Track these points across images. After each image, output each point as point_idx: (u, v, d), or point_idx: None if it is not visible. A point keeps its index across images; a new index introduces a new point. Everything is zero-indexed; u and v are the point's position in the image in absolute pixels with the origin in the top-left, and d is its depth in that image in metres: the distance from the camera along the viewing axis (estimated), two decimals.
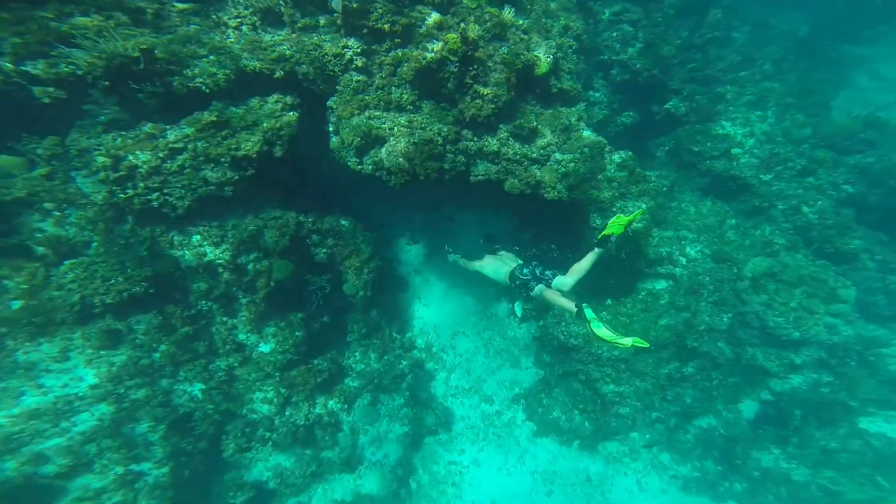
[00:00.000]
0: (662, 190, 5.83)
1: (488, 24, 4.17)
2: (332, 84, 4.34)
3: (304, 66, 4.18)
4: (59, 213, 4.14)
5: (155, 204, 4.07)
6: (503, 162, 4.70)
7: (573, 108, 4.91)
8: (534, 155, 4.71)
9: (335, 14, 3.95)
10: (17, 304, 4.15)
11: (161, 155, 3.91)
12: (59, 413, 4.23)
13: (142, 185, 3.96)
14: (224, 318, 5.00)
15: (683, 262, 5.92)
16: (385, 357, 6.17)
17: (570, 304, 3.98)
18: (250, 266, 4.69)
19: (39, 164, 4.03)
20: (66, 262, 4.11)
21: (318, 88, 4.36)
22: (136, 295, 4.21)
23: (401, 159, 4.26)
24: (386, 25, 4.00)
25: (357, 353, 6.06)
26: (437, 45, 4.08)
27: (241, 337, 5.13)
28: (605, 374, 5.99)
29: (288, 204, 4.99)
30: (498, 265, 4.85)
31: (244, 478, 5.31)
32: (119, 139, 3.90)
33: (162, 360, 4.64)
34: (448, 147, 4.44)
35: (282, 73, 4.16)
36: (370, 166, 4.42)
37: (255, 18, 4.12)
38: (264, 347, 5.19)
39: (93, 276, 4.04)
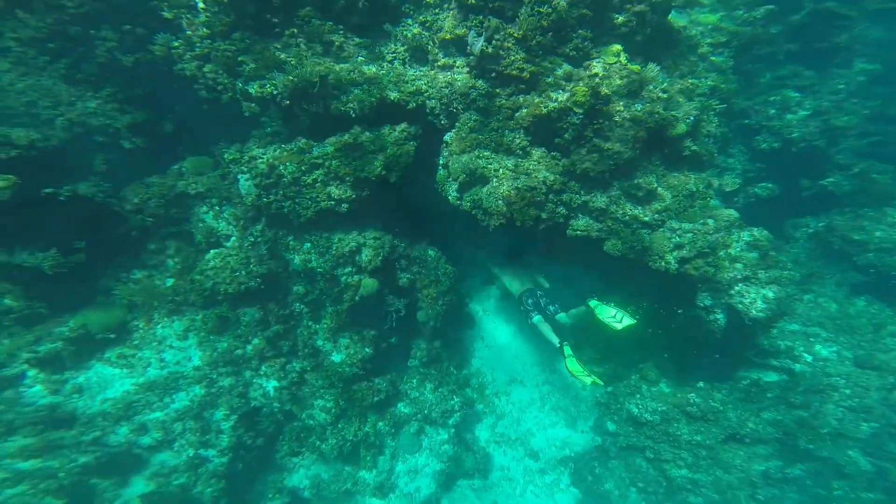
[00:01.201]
0: (795, 279, 5.28)
1: (625, 80, 4.33)
2: (453, 120, 4.86)
3: (433, 100, 4.77)
4: (218, 208, 5.23)
5: (285, 210, 4.90)
6: (608, 220, 4.71)
7: (703, 175, 4.75)
8: (646, 218, 4.64)
9: (471, 56, 4.45)
10: (169, 282, 5.24)
11: (303, 168, 4.75)
12: (167, 388, 5.10)
13: (282, 192, 4.83)
14: (309, 322, 5.66)
15: (808, 360, 5.40)
16: (439, 390, 6.39)
17: (554, 338, 5.11)
18: (343, 279, 5.31)
19: (221, 165, 5.16)
20: (211, 252, 5.13)
21: (440, 122, 4.91)
22: (250, 289, 5.01)
23: (500, 202, 4.55)
24: (515, 71, 4.40)
25: (414, 381, 6.39)
26: (563, 96, 4.35)
27: (319, 343, 5.74)
28: (678, 457, 5.65)
29: (387, 226, 5.60)
30: (515, 278, 5.74)
31: (285, 482, 5.78)
32: (278, 150, 4.84)
33: (252, 352, 5.35)
34: (550, 196, 4.62)
35: (414, 105, 4.81)
36: (468, 203, 4.79)
37: (406, 55, 4.89)
38: (336, 357, 5.75)
39: (224, 268, 4.95)
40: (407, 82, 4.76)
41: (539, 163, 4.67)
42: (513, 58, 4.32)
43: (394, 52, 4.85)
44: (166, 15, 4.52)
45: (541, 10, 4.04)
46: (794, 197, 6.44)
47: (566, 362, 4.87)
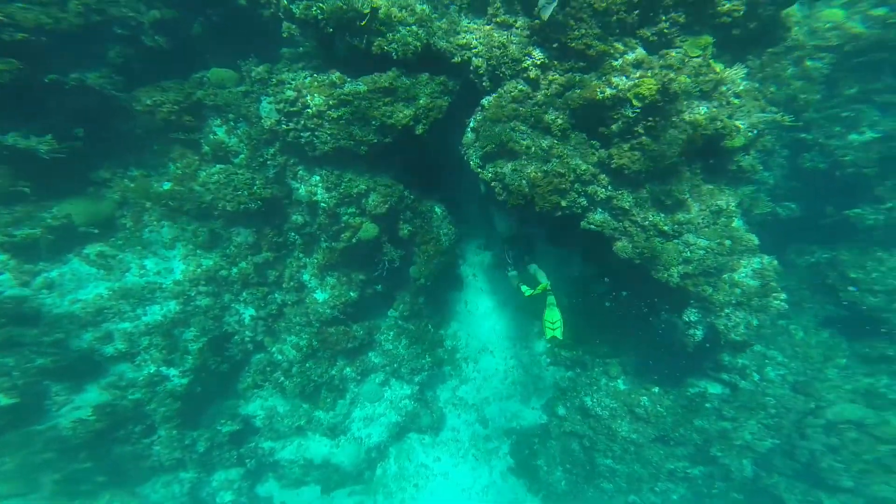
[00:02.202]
0: (784, 310, 5.56)
1: (701, 79, 4.06)
2: (496, 85, 4.57)
3: (480, 58, 4.43)
4: (233, 124, 4.92)
5: (303, 141, 4.66)
6: (626, 221, 4.70)
7: (737, 191, 4.72)
8: (665, 227, 4.65)
9: (536, 21, 4.07)
10: (166, 186, 4.97)
11: (331, 102, 4.45)
12: (141, 299, 4.96)
13: (303, 122, 4.56)
14: (300, 255, 5.58)
15: (755, 379, 5.95)
16: (413, 346, 6.60)
17: (524, 289, 5.23)
18: (345, 218, 5.22)
19: (246, 81, 4.86)
20: (216, 166, 4.86)
21: (482, 83, 4.62)
22: (250, 210, 4.86)
23: (524, 182, 4.43)
24: (581, 46, 4.07)
25: (391, 334, 6.54)
26: (624, 83, 4.10)
27: (306, 277, 5.70)
28: (609, 448, 6.28)
29: (401, 174, 5.44)
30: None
31: (239, 409, 5.98)
32: (309, 79, 4.51)
33: (237, 275, 5.28)
34: (576, 185, 4.50)
35: (460, 59, 4.49)
36: (490, 174, 4.65)
37: (465, 2, 4.45)
38: (319, 295, 5.75)
39: (228, 184, 4.77)
40: (458, 33, 4.38)
41: (575, 149, 4.51)
42: (584, 31, 3.98)
43: None
44: None
45: None
46: (810, 222, 6.44)
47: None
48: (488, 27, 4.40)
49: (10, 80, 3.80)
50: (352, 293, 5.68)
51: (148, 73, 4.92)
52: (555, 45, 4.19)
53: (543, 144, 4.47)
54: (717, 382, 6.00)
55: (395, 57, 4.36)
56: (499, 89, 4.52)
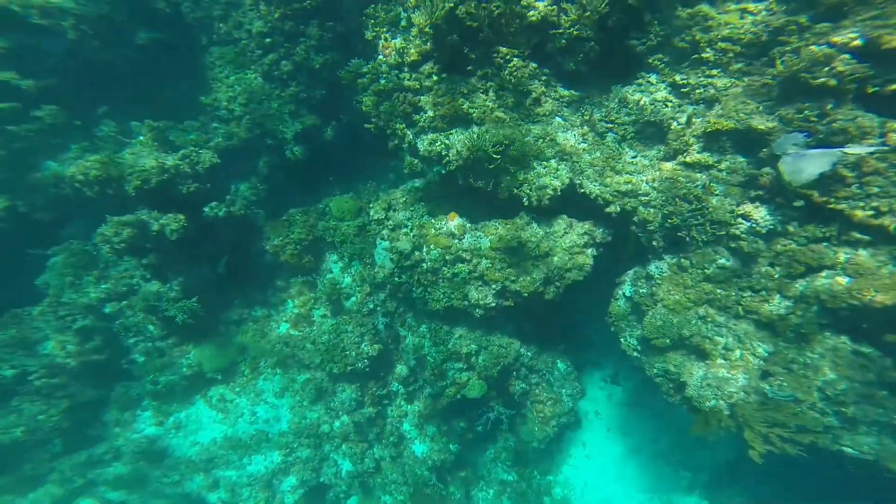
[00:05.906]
0: None
1: None
2: (678, 250, 2.93)
3: (652, 209, 2.89)
4: (347, 261, 4.57)
5: (414, 294, 3.90)
6: None
7: None
8: None
9: (764, 170, 2.40)
10: (283, 328, 4.86)
11: (448, 257, 3.56)
12: (248, 448, 4.74)
13: (417, 277, 3.79)
14: (402, 403, 4.83)
15: None
16: None
17: None
18: (450, 374, 4.32)
19: (363, 214, 4.60)
20: (328, 322, 4.54)
21: (651, 241, 3.01)
22: (356, 369, 4.29)
23: (723, 403, 2.70)
24: (863, 213, 2.22)
25: (491, 492, 5.28)
26: None
27: (406, 427, 4.91)
28: None
29: (518, 329, 4.34)
30: None
31: None
32: (426, 221, 3.78)
33: (339, 429, 4.76)
34: (820, 405, 2.53)
35: (617, 209, 3.00)
36: (657, 370, 3.06)
37: (630, 129, 2.97)
38: (418, 448, 4.85)
39: (336, 346, 4.29)
40: (618, 172, 2.93)
41: (823, 357, 2.52)
42: (855, 190, 2.15)
43: (611, 122, 2.97)
44: (367, 35, 3.64)
45: None
46: None
47: None
48: (670, 165, 2.83)
49: (177, 236, 3.92)
50: (451, 446, 4.82)
51: (285, 186, 4.99)
52: (796, 204, 2.40)
53: (760, 350, 2.60)
54: None
55: (526, 203, 3.17)
56: (680, 257, 2.86)
